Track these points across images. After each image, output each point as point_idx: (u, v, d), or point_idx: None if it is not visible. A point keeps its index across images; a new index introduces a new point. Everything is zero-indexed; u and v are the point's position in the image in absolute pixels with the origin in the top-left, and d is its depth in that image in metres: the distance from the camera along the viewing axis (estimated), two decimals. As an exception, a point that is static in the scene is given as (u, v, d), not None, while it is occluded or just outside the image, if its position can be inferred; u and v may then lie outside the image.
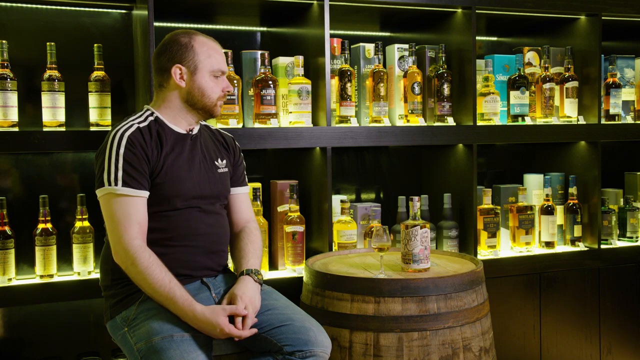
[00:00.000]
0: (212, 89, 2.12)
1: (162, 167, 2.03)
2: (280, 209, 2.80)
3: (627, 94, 3.42)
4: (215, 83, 2.12)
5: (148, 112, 2.13)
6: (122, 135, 2.00)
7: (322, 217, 2.72)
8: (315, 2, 2.70)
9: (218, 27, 3.02)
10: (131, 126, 2.03)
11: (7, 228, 2.48)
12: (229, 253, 2.30)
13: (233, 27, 3.05)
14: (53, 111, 2.47)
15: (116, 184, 1.96)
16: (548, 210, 3.13)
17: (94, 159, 2.06)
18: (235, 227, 2.27)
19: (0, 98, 2.38)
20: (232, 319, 1.95)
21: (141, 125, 2.05)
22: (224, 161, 2.23)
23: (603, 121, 3.24)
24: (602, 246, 3.20)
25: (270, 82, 2.65)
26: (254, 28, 3.08)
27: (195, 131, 2.17)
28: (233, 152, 2.29)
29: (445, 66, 2.95)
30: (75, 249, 2.53)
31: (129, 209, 1.96)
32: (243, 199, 2.30)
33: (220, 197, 2.19)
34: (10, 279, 2.45)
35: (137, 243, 1.94)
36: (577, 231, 3.20)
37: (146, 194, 2.00)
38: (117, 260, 1.98)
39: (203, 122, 2.29)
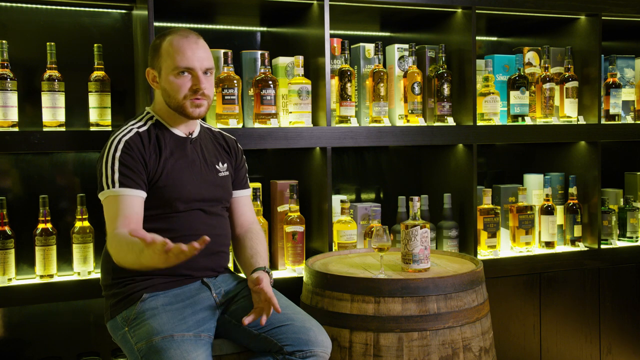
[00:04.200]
0: (176, 89, 2.05)
1: (163, 171, 2.04)
2: (280, 209, 2.80)
3: (627, 94, 3.42)
4: (182, 81, 2.05)
5: (148, 116, 2.13)
6: (120, 140, 2.02)
7: (322, 217, 2.72)
8: (315, 2, 2.70)
9: (218, 27, 3.02)
10: (130, 131, 2.05)
11: (7, 228, 2.47)
12: (230, 254, 2.30)
13: (233, 27, 3.05)
14: (53, 111, 2.47)
15: (114, 186, 1.97)
16: (548, 210, 3.13)
17: (96, 163, 2.06)
18: (239, 229, 2.28)
19: (0, 98, 2.38)
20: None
21: (140, 129, 2.06)
22: (225, 165, 2.23)
23: (603, 121, 3.24)
24: (602, 246, 3.20)
25: (270, 82, 2.65)
26: (254, 28, 3.08)
27: (195, 134, 2.17)
28: (235, 155, 2.29)
29: (445, 66, 2.95)
30: (75, 249, 2.53)
31: (121, 207, 1.96)
32: (245, 201, 2.31)
33: (222, 200, 2.19)
34: (10, 279, 2.45)
35: (120, 230, 1.90)
36: (577, 231, 3.20)
37: (142, 194, 2.00)
38: (113, 256, 1.92)
39: (205, 125, 2.29)
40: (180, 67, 2.04)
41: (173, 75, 2.05)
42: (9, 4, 2.66)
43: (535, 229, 3.14)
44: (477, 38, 3.43)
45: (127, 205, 1.97)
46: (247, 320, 1.96)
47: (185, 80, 2.05)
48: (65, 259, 2.62)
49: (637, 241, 3.35)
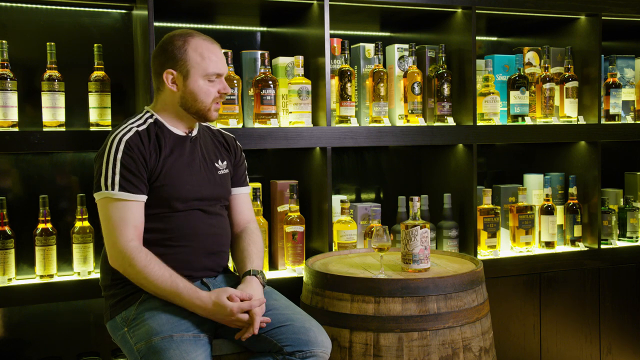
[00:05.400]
0: (206, 93, 2.07)
1: (162, 170, 2.03)
2: (280, 209, 2.80)
3: (627, 94, 3.42)
4: (211, 86, 2.08)
5: (148, 115, 2.12)
6: (121, 139, 2.00)
7: (322, 217, 2.72)
8: (315, 2, 2.70)
9: (218, 27, 3.02)
10: (130, 130, 2.03)
11: (7, 228, 2.47)
12: (229, 253, 2.29)
13: (233, 27, 3.05)
14: (53, 111, 2.47)
15: (113, 189, 1.96)
16: (548, 210, 3.13)
17: (94, 161, 2.06)
18: (236, 227, 2.27)
19: (0, 98, 2.38)
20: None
21: (140, 128, 2.05)
22: (225, 162, 2.22)
23: (603, 121, 3.24)
24: (602, 246, 3.20)
25: (270, 82, 2.65)
26: (254, 28, 3.08)
27: (194, 133, 2.17)
28: (234, 152, 2.29)
29: (445, 66, 2.95)
30: (75, 249, 2.53)
31: (125, 213, 1.96)
32: (244, 199, 2.30)
33: (221, 198, 2.19)
34: (10, 279, 2.45)
35: (134, 244, 1.94)
36: (577, 231, 3.20)
37: (143, 198, 2.00)
38: (114, 264, 1.98)
39: (204, 123, 2.29)
40: (214, 72, 2.07)
41: (204, 80, 2.06)
42: (9, 4, 2.66)
43: (535, 229, 3.14)
44: (477, 38, 3.43)
45: (134, 212, 1.97)
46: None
47: (215, 85, 2.09)
48: (65, 259, 2.62)
49: (637, 241, 3.35)
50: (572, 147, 3.31)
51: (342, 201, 2.85)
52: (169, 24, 2.91)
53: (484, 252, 3.02)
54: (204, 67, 2.05)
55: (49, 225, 2.51)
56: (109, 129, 2.55)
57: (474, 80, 2.90)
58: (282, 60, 2.79)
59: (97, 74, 2.56)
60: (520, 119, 3.09)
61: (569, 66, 3.18)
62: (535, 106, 3.17)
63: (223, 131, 2.33)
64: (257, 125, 2.66)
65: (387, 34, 3.34)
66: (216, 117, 2.14)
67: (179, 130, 2.13)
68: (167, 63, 2.06)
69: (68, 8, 2.74)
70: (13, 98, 2.42)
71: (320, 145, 2.68)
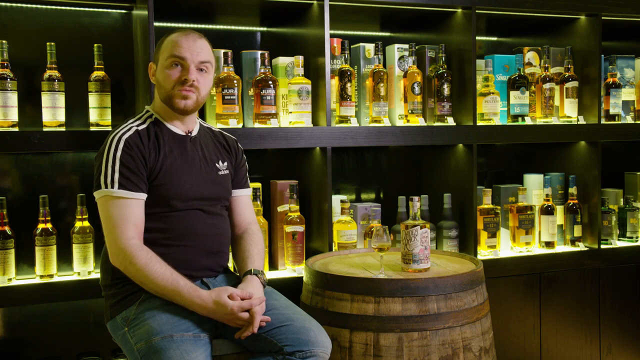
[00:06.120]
0: (167, 79, 2.06)
1: (161, 169, 2.04)
2: (280, 209, 2.80)
3: (627, 94, 3.42)
4: (173, 72, 2.06)
5: (147, 114, 2.13)
6: (120, 138, 2.01)
7: (322, 217, 2.72)
8: (315, 2, 2.70)
9: (218, 27, 3.03)
10: (129, 129, 2.04)
11: (7, 228, 2.47)
12: (230, 254, 2.30)
13: (233, 27, 3.05)
14: (53, 111, 2.47)
15: (112, 187, 1.96)
16: (548, 210, 3.13)
17: (94, 160, 2.07)
18: (237, 229, 2.27)
19: (0, 98, 2.38)
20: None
21: (140, 127, 2.06)
22: (225, 163, 2.23)
23: (603, 121, 3.24)
24: (602, 246, 3.20)
25: (270, 82, 2.65)
26: (254, 28, 3.08)
27: (194, 132, 2.17)
28: (235, 154, 2.29)
29: (445, 66, 2.95)
30: (75, 249, 2.53)
31: (125, 211, 1.96)
32: (245, 200, 2.31)
33: (221, 199, 2.19)
34: (10, 279, 2.45)
35: (134, 242, 1.95)
36: (577, 231, 3.20)
37: (143, 196, 2.00)
38: (115, 262, 1.98)
39: (205, 124, 2.29)
40: (173, 54, 2.05)
41: (166, 65, 2.07)
42: (9, 4, 2.66)
43: (535, 229, 3.14)
44: (477, 38, 3.43)
45: (134, 211, 1.97)
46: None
47: (176, 70, 2.07)
48: (65, 259, 2.62)
49: (637, 241, 3.35)
50: (572, 147, 3.31)
51: (342, 201, 2.85)
52: (169, 24, 2.91)
53: (484, 252, 3.02)
54: (166, 53, 2.07)
55: (49, 225, 2.51)
56: (109, 129, 2.55)
57: (474, 80, 2.90)
58: (282, 60, 2.80)
59: (97, 74, 2.56)
60: (520, 119, 3.09)
61: (569, 66, 3.18)
62: (535, 106, 3.17)
63: (225, 133, 2.33)
64: (257, 125, 2.66)
65: (387, 34, 3.34)
66: (184, 105, 2.07)
67: (178, 129, 2.13)
68: (152, 57, 2.15)
69: (68, 8, 2.74)
70: (13, 98, 2.42)
71: (320, 145, 2.68)
